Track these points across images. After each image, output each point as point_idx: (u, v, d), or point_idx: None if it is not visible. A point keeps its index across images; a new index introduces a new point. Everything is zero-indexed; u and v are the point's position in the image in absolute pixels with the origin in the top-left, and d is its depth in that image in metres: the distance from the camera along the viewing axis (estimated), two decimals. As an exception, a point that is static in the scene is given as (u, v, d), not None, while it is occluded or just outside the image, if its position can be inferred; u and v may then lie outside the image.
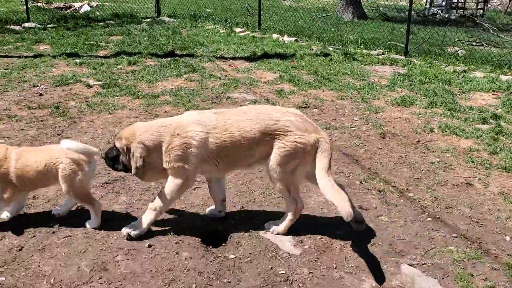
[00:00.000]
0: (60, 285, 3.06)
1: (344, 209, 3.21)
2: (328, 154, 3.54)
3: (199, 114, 3.58)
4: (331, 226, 3.87)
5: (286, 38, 12.27)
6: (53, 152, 3.58)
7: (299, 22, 14.47)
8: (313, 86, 8.02)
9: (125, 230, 3.57)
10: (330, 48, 11.26)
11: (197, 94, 7.28)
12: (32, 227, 3.67)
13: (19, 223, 3.72)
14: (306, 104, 7.02)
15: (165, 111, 6.49)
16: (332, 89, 7.87)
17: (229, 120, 3.52)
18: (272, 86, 7.97)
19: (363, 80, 8.52)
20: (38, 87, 7.40)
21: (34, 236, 3.56)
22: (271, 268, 3.33)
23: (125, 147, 3.52)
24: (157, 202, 3.57)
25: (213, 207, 3.98)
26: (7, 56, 9.33)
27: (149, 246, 3.49)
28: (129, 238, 3.54)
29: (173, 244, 3.52)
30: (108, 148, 3.79)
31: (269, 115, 3.53)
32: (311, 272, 3.29)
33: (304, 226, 3.84)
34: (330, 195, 3.35)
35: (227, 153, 3.50)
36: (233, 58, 10.06)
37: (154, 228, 3.69)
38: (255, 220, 3.91)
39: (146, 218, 3.59)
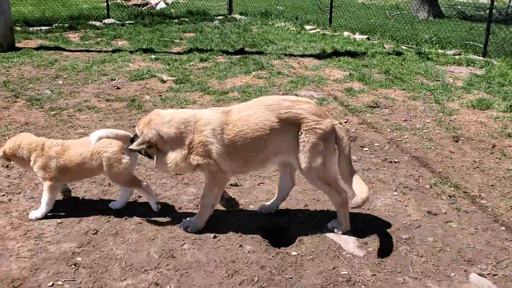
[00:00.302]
0: (130, 268, 3.23)
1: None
2: (346, 140, 3.54)
3: (214, 113, 3.53)
4: (397, 230, 3.78)
5: (358, 36, 12.06)
6: (98, 143, 3.73)
7: (372, 20, 14.16)
8: (384, 85, 7.84)
9: (183, 225, 3.68)
10: (403, 47, 10.94)
11: (264, 91, 7.35)
12: (107, 213, 3.89)
13: (94, 209, 3.96)
14: (376, 104, 6.88)
15: (234, 107, 6.60)
16: (404, 89, 7.65)
17: (241, 114, 3.48)
18: (341, 84, 7.88)
19: (437, 80, 8.20)
20: (116, 81, 7.79)
21: (108, 221, 3.78)
22: (334, 267, 3.31)
23: (141, 132, 3.58)
24: (203, 200, 3.64)
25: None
26: (88, 51, 9.89)
27: (214, 237, 3.59)
28: (188, 231, 3.64)
29: (237, 237, 3.60)
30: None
31: (280, 105, 3.47)
32: (374, 275, 3.24)
33: (369, 228, 3.79)
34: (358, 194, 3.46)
35: (242, 148, 3.44)
36: (302, 56, 10.04)
37: (219, 221, 3.79)
38: (319, 218, 3.90)
39: (199, 216, 3.67)
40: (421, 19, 15.30)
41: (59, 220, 3.78)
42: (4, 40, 9.58)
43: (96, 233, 3.61)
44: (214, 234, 3.62)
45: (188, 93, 7.25)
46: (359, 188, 3.49)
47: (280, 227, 3.79)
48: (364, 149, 5.38)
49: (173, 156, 3.50)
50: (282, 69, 8.80)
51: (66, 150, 3.83)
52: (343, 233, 3.67)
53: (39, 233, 3.60)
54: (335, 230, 3.69)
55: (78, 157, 3.78)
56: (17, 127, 5.64)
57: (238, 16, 15.43)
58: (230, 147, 3.45)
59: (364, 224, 3.84)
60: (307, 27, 13.28)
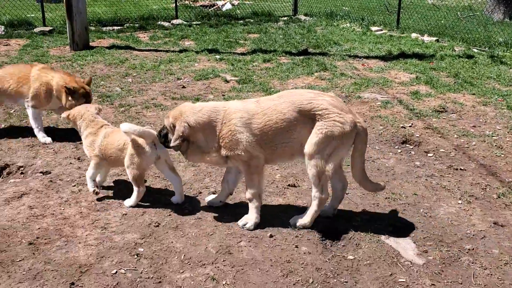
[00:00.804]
0: (189, 262, 3.33)
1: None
2: (365, 139, 3.60)
3: (242, 103, 3.70)
4: (460, 239, 3.64)
5: (426, 38, 11.67)
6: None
7: (442, 21, 13.65)
8: (453, 89, 7.54)
9: (240, 223, 3.75)
10: (475, 50, 10.46)
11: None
12: (169, 207, 4.03)
13: (157, 202, 4.11)
14: (444, 108, 6.63)
15: (295, 108, 6.61)
16: (473, 94, 7.33)
17: (267, 104, 3.59)
18: (406, 87, 7.67)
19: (510, 85, 7.78)
20: (181, 80, 8.03)
21: (169, 215, 3.91)
22: (391, 274, 3.24)
23: (171, 125, 3.69)
24: (248, 193, 3.71)
25: (213, 196, 4.09)
26: (156, 50, 10.26)
27: (271, 236, 3.62)
28: (246, 228, 3.71)
29: (293, 237, 3.61)
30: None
31: (303, 96, 3.57)
32: (433, 284, 3.14)
33: (430, 236, 3.67)
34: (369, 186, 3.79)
35: (269, 137, 3.54)
36: (367, 57, 9.86)
37: (275, 220, 3.82)
38: (377, 224, 3.83)
39: (252, 211, 3.73)
40: (495, 20, 14.55)
41: (124, 212, 3.96)
42: (79, 39, 10.13)
43: (158, 226, 3.75)
44: (270, 233, 3.65)
45: (250, 93, 7.33)
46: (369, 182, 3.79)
47: (337, 230, 3.75)
48: (429, 154, 5.21)
49: (205, 146, 3.63)
50: (345, 71, 8.69)
51: (110, 135, 4.12)
52: (302, 228, 3.68)
53: (105, 223, 3.79)
54: (298, 225, 3.68)
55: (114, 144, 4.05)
56: (89, 122, 5.96)
57: (302, 17, 15.40)
58: (259, 136, 3.55)
59: (425, 232, 3.73)
60: (373, 28, 13.02)
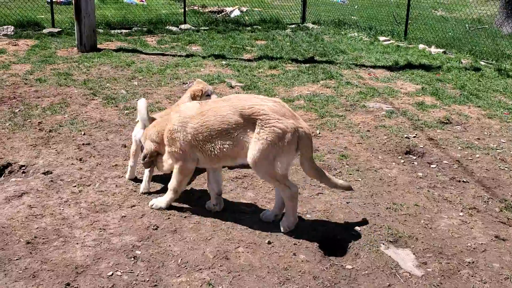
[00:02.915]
0: (185, 266, 3.32)
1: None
2: (309, 144, 3.62)
3: (188, 104, 3.91)
4: (460, 252, 3.60)
5: (433, 49, 11.64)
6: None
7: (449, 33, 13.63)
8: (458, 101, 7.50)
9: (150, 202, 4.05)
10: (482, 63, 10.42)
11: (331, 101, 7.28)
12: (168, 211, 4.02)
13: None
14: (448, 120, 6.59)
15: (299, 115, 6.60)
16: (479, 106, 7.29)
17: (209, 106, 3.71)
18: (412, 98, 7.64)
19: (517, 99, 7.74)
20: (186, 84, 8.04)
21: (168, 218, 3.90)
22: (389, 285, 3.21)
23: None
24: (170, 183, 3.95)
25: (210, 201, 4.11)
26: (163, 54, 10.29)
27: (269, 243, 3.60)
28: (152, 207, 4.02)
29: (291, 245, 3.59)
30: None
31: (246, 101, 3.61)
32: (432, 297, 3.11)
33: (430, 247, 3.64)
34: (328, 182, 3.82)
35: (206, 138, 3.65)
36: (373, 67, 9.85)
37: (274, 227, 3.79)
38: (377, 234, 3.80)
39: (166, 197, 4.00)
40: (505, 34, 14.51)
41: (123, 214, 3.96)
42: (87, 41, 10.19)
43: (156, 229, 3.74)
44: (268, 240, 3.63)
45: (255, 99, 7.32)
46: (335, 183, 3.82)
47: (336, 239, 3.73)
48: (432, 166, 5.17)
49: (165, 155, 3.92)
50: (351, 79, 8.68)
51: None
52: (289, 229, 3.71)
53: (104, 225, 3.78)
54: (282, 227, 3.71)
55: None
56: (93, 123, 5.98)
57: (310, 25, 15.43)
58: (196, 135, 3.67)
59: (425, 244, 3.69)
60: (381, 38, 13.01)
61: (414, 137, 5.95)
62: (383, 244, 3.65)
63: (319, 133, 5.99)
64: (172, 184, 3.96)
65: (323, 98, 7.44)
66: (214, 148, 3.68)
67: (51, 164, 4.84)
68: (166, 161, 3.93)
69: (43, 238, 3.57)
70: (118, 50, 10.42)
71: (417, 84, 8.54)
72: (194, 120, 3.70)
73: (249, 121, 3.57)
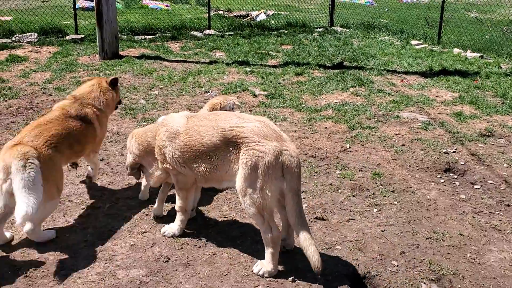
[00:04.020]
0: (197, 308, 2.93)
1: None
2: (295, 171, 3.07)
3: (176, 117, 3.57)
4: (515, 295, 3.10)
5: (469, 54, 10.99)
6: None
7: (486, 36, 12.91)
8: (500, 111, 6.91)
9: (162, 229, 3.73)
10: (524, 67, 9.74)
11: (361, 111, 6.80)
12: (182, 238, 3.64)
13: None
14: (490, 132, 6.04)
15: (326, 127, 6.15)
16: (523, 117, 6.69)
17: (193, 123, 3.41)
18: (449, 107, 7.09)
19: None
20: (208, 93, 7.69)
21: (181, 248, 3.52)
22: (433, 336, 2.74)
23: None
24: (176, 205, 3.66)
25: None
26: (186, 61, 9.98)
27: (293, 280, 3.18)
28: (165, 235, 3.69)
29: (319, 282, 3.15)
30: None
31: (227, 122, 3.26)
32: None
33: (479, 286, 3.15)
34: (302, 236, 3.04)
35: (190, 159, 3.37)
36: (406, 73, 9.30)
37: (300, 261, 3.36)
38: (417, 270, 3.33)
39: (176, 222, 3.69)
40: (545, 35, 13.68)
41: (132, 242, 3.59)
42: (109, 48, 9.97)
43: (167, 261, 3.36)
44: (292, 277, 3.20)
45: (279, 109, 6.92)
46: (306, 245, 3.03)
47: (370, 275, 3.28)
48: (475, 186, 4.65)
49: (152, 168, 3.70)
50: (383, 87, 8.17)
51: None
52: (268, 276, 3.18)
53: (111, 255, 3.43)
54: (259, 272, 3.20)
55: None
56: (108, 137, 5.67)
57: (339, 29, 14.91)
58: (181, 154, 3.41)
59: (473, 283, 3.20)
60: (413, 42, 12.42)
61: (453, 152, 5.43)
62: (424, 283, 3.18)
63: (350, 147, 5.52)
64: (177, 204, 3.64)
65: (353, 107, 6.96)
66: (198, 169, 3.38)
67: (61, 182, 4.52)
68: (153, 173, 3.72)
69: (43, 271, 3.23)
70: (141, 57, 10.16)
71: (454, 91, 7.97)
72: (180, 138, 3.41)
73: (229, 144, 3.20)
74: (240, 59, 10.16)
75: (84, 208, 4.08)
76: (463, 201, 4.35)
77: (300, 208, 3.13)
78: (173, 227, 3.68)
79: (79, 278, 3.17)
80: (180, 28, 13.66)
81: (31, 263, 3.30)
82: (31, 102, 6.98)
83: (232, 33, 13.70)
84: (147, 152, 3.70)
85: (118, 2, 19.25)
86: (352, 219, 3.98)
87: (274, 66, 9.69)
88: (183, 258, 3.40)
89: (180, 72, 9.02)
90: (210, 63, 9.83)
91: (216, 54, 10.89)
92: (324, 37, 13.31)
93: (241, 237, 3.67)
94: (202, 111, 4.50)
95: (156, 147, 3.56)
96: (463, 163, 5.14)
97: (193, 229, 3.77)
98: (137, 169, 3.90)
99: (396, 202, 4.28)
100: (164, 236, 3.66)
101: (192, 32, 13.37)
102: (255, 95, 7.59)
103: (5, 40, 11.27)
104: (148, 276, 3.20)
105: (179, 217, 3.67)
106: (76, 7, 12.92)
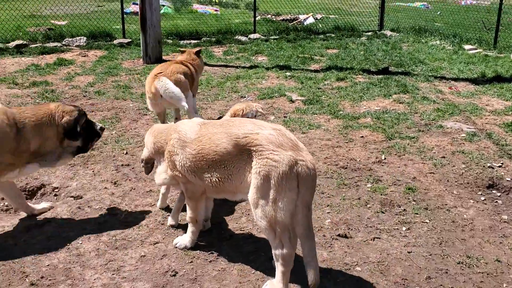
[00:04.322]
0: (197, 329, 2.77)
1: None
2: (310, 183, 2.88)
3: (188, 123, 3.44)
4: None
5: (529, 59, 10.26)
6: None
7: (549, 40, 12.03)
8: (558, 122, 6.34)
9: (174, 241, 3.61)
10: None
11: (402, 119, 6.43)
12: (193, 251, 3.50)
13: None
14: (544, 146, 5.52)
15: (362, 136, 5.85)
16: None
17: (207, 130, 3.25)
18: (499, 117, 6.58)
19: None
20: (245, 98, 7.56)
21: (191, 262, 3.38)
22: None
23: None
24: (187, 215, 3.54)
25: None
26: (226, 66, 9.91)
27: (304, 304, 2.96)
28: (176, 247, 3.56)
29: (331, 309, 2.92)
30: None
31: (241, 128, 3.08)
32: None
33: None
34: (307, 248, 2.89)
35: (203, 168, 3.22)
36: (455, 79, 8.78)
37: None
38: (444, 299, 3.01)
39: (187, 234, 3.57)
40: None
41: (143, 252, 3.50)
42: (152, 52, 10.07)
43: (174, 275, 3.23)
44: (303, 300, 2.98)
45: (315, 115, 6.67)
46: (308, 261, 2.88)
47: (389, 302, 3.00)
48: (521, 206, 4.23)
49: (160, 168, 3.57)
50: (428, 94, 7.73)
51: None
52: None
53: (119, 266, 3.34)
54: None
55: None
56: (138, 141, 5.65)
57: (388, 33, 14.40)
58: (193, 162, 3.26)
59: (507, 318, 2.86)
60: (467, 46, 11.76)
61: (499, 166, 4.99)
62: (450, 315, 2.87)
63: (385, 158, 5.21)
64: (188, 214, 3.52)
65: (394, 115, 6.60)
66: (211, 180, 3.22)
67: (84, 187, 4.52)
68: (159, 174, 3.59)
69: (50, 279, 3.19)
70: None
71: (507, 100, 7.41)
72: (192, 146, 3.27)
73: (244, 152, 3.02)
74: (282, 64, 9.97)
75: (102, 215, 4.03)
76: (504, 222, 3.95)
77: (309, 221, 2.93)
78: (185, 239, 3.55)
79: (84, 288, 3.10)
80: (225, 33, 13.64)
81: (39, 271, 3.27)
82: (70, 105, 7.10)
83: (277, 37, 13.54)
84: (159, 152, 3.58)
85: (169, 7, 19.68)
86: (377, 238, 3.70)
87: (315, 71, 9.44)
88: (191, 273, 3.26)
89: (219, 76, 8.95)
90: (251, 67, 9.71)
91: (258, 58, 10.76)
92: (372, 41, 12.88)
93: (254, 253, 3.48)
94: (224, 118, 4.36)
95: (167, 152, 3.44)
96: (509, 179, 4.70)
97: (206, 242, 3.63)
98: (151, 164, 3.80)
99: (428, 221, 3.95)
100: (176, 247, 3.53)
101: (237, 36, 13.32)
102: (291, 101, 7.38)
103: (56, 43, 11.66)
104: (153, 291, 3.08)
105: (190, 228, 3.54)
106: (128, 11, 13.20)
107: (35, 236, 3.69)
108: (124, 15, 12.90)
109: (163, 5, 19.38)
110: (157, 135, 3.62)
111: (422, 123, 6.33)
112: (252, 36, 13.41)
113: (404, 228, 3.83)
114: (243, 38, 13.16)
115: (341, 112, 6.80)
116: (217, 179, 3.18)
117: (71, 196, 4.34)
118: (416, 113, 6.78)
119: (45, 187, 4.57)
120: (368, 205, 4.20)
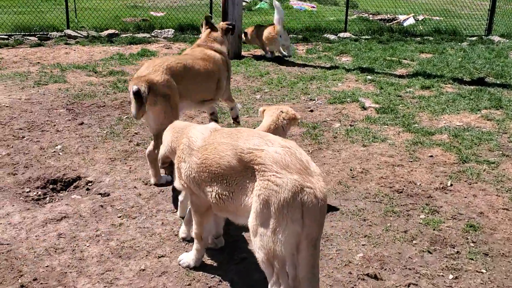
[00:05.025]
0: None
1: None
2: (317, 216, 2.41)
3: (201, 128, 3.06)
4: None
5: None
6: None
7: None
8: None
9: (179, 258, 3.29)
10: None
11: (485, 139, 5.54)
12: (197, 269, 3.17)
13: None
14: None
15: (431, 155, 5.10)
16: None
17: (214, 139, 2.87)
18: None
19: None
20: (313, 102, 7.07)
21: (189, 285, 3.05)
22: None
23: None
24: (192, 231, 3.21)
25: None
26: (304, 65, 9.42)
27: None
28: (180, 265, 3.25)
29: None
30: None
31: (248, 141, 2.66)
32: None
33: None
34: None
35: (206, 180, 2.84)
36: None
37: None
38: None
39: (192, 251, 3.23)
40: None
41: (144, 266, 3.23)
42: (231, 48, 9.87)
43: None
44: None
45: (385, 126, 6.00)
46: None
47: None
48: None
49: (177, 170, 3.17)
50: (527, 112, 6.65)
51: None
52: None
53: (114, 278, 3.11)
54: None
55: None
56: (185, 140, 5.43)
57: (496, 38, 12.92)
58: (197, 173, 2.89)
59: None
60: None
61: None
62: None
63: (451, 185, 4.47)
64: (193, 229, 3.20)
65: (476, 134, 5.73)
66: (211, 195, 2.84)
67: (115, 184, 4.39)
68: (176, 178, 3.21)
69: (41, 283, 3.04)
70: (260, 58, 9.92)
71: None
72: (198, 154, 2.92)
73: (248, 170, 2.61)
74: (365, 66, 9.28)
75: (120, 216, 3.85)
76: None
77: (315, 262, 2.48)
78: (189, 257, 3.23)
79: (71, 299, 2.91)
80: (313, 30, 13.13)
81: (35, 272, 3.14)
82: (136, 96, 7.12)
83: (368, 37, 12.75)
84: (173, 152, 3.22)
85: (265, 2, 19.51)
86: (413, 284, 3.09)
87: (400, 76, 8.63)
88: None
89: (293, 76, 8.51)
90: (330, 68, 9.15)
91: (342, 58, 10.13)
92: (475, 47, 11.60)
93: (261, 283, 3.04)
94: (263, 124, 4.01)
95: (176, 157, 3.12)
96: None
97: (213, 262, 3.28)
98: (168, 163, 3.52)
99: (484, 270, 3.23)
100: (180, 265, 3.22)
101: (325, 35, 12.75)
102: (363, 108, 6.74)
103: (145, 34, 11.99)
104: (137, 312, 2.80)
105: (195, 245, 3.21)
106: (212, 2, 13.19)
107: (48, 232, 3.60)
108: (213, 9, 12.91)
109: (261, 0, 19.29)
110: (174, 134, 3.26)
111: (509, 146, 5.41)
112: (342, 35, 12.76)
113: (451, 276, 3.17)
114: (332, 37, 12.55)
115: (415, 125, 6.05)
116: (217, 196, 2.81)
117: (100, 193, 4.22)
118: (505, 133, 5.82)
119: (80, 179, 4.52)
120: (414, 241, 3.56)
